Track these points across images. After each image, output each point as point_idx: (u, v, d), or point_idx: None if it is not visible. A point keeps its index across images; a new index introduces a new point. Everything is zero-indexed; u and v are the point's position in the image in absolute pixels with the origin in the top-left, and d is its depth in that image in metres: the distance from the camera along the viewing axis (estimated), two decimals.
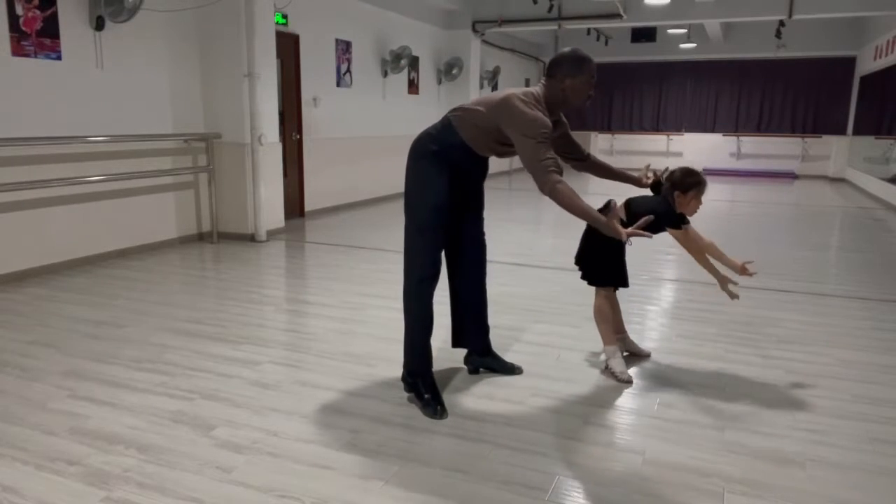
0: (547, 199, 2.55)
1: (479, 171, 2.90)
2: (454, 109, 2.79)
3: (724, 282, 3.21)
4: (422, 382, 2.81)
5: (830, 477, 2.29)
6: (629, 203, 3.09)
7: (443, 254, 2.83)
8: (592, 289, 3.25)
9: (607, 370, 3.18)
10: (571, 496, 2.16)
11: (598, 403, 2.87)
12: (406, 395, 2.87)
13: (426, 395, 2.78)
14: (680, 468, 2.33)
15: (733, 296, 3.22)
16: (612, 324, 3.23)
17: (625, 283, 3.22)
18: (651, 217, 2.51)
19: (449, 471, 2.29)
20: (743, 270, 3.12)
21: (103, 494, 2.12)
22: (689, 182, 2.97)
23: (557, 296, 4.57)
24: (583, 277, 3.26)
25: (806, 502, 2.14)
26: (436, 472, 2.28)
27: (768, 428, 2.64)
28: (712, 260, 3.19)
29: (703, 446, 2.49)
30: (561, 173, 2.54)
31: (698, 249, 3.16)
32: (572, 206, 2.49)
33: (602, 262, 3.17)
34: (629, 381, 3.09)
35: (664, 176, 3.07)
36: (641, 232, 2.49)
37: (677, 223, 3.02)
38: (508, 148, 2.68)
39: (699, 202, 3.04)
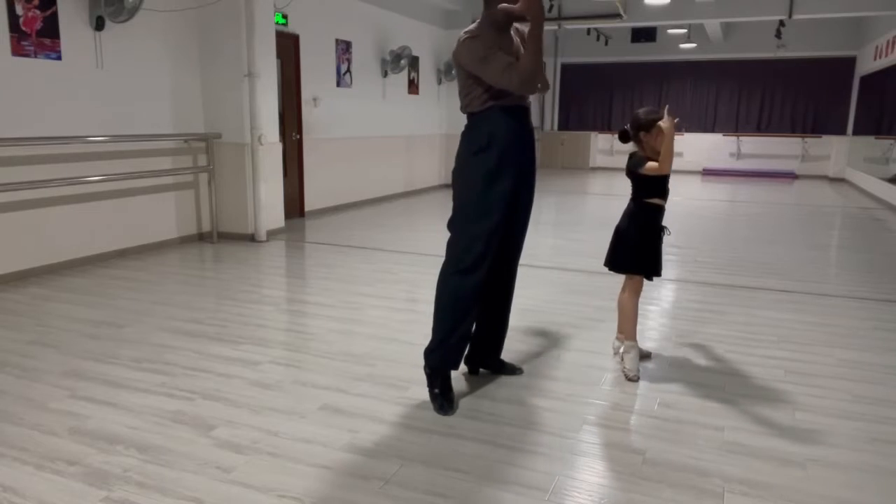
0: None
1: (526, 142, 2.81)
2: (464, 108, 2.79)
3: (669, 126, 3.05)
4: (437, 376, 2.81)
5: (830, 477, 2.29)
6: None
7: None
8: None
9: (620, 360, 3.21)
10: (571, 496, 2.16)
11: (598, 403, 2.87)
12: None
13: (436, 390, 2.79)
14: (680, 468, 2.33)
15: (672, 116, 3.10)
16: (636, 320, 3.24)
17: (657, 272, 3.20)
18: None
19: (449, 471, 2.29)
20: (670, 124, 3.05)
21: (103, 494, 2.12)
22: (650, 119, 3.05)
23: (557, 296, 4.57)
24: (612, 267, 3.26)
25: (806, 502, 2.14)
26: (436, 472, 2.28)
27: (768, 428, 2.64)
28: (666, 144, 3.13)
29: (703, 446, 2.49)
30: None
31: (663, 162, 3.07)
32: (531, 62, 2.51)
33: (632, 245, 3.15)
34: (636, 380, 3.10)
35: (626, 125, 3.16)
36: None
37: (643, 162, 3.06)
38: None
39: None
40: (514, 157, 2.72)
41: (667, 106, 3.10)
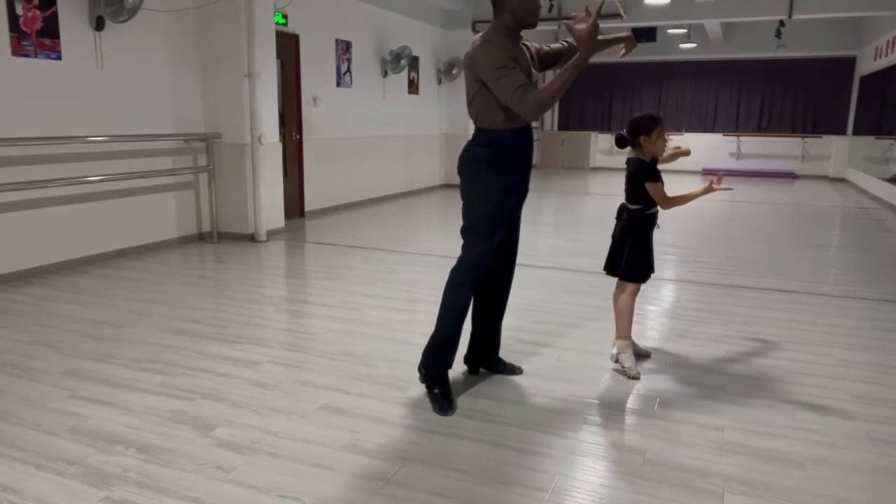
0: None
1: (531, 160, 2.87)
2: (477, 120, 2.79)
3: (708, 190, 3.14)
4: (435, 376, 2.83)
5: (830, 477, 2.29)
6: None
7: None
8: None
9: (617, 363, 3.22)
10: (571, 496, 2.16)
11: (598, 403, 2.87)
12: (420, 383, 2.90)
13: (436, 391, 2.80)
14: (680, 468, 2.33)
15: (727, 188, 3.19)
16: (632, 319, 3.25)
17: (652, 269, 3.24)
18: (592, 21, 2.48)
19: (449, 471, 2.29)
20: (711, 188, 3.13)
21: (103, 494, 2.12)
22: (650, 124, 3.07)
23: (557, 296, 4.57)
24: (613, 274, 3.28)
25: (806, 502, 2.14)
26: (436, 472, 2.28)
27: (768, 428, 2.64)
28: (688, 195, 3.21)
29: (703, 446, 2.49)
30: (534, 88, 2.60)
31: (671, 201, 3.15)
32: (554, 92, 2.53)
33: (634, 256, 3.17)
34: (637, 377, 3.11)
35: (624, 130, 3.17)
36: (592, 19, 2.46)
37: (654, 175, 3.07)
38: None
39: (665, 139, 3.10)
40: (523, 176, 2.83)
41: (713, 180, 3.11)
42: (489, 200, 2.74)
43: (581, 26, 2.46)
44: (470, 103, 2.77)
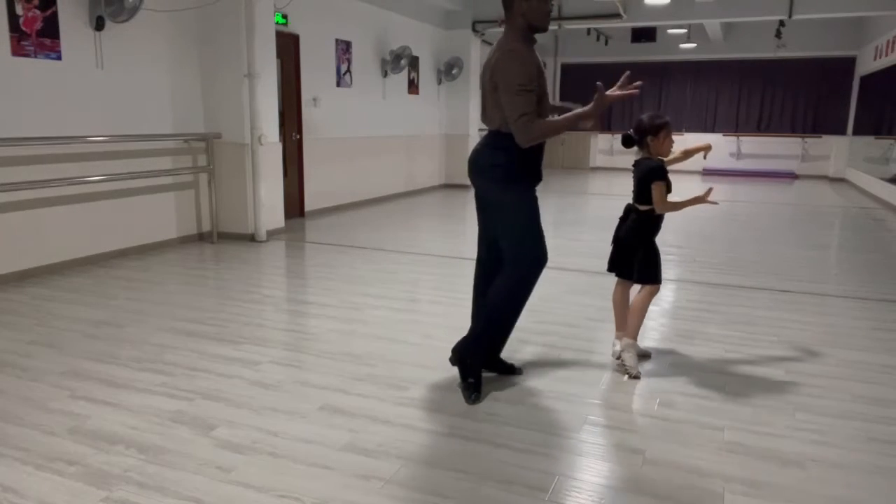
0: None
1: (541, 154, 2.91)
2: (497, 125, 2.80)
3: (696, 201, 3.14)
4: (473, 365, 2.87)
5: (830, 477, 2.29)
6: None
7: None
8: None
9: (619, 360, 3.21)
10: (571, 496, 2.16)
11: (598, 403, 2.87)
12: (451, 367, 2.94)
13: (471, 380, 2.84)
14: (680, 468, 2.33)
15: (713, 202, 3.17)
16: (643, 320, 3.26)
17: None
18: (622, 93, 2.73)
19: (449, 471, 2.29)
20: (702, 199, 3.13)
21: (103, 494, 2.12)
22: (657, 124, 3.09)
23: (557, 296, 4.57)
24: (622, 276, 3.28)
25: (806, 502, 2.14)
26: (436, 472, 2.28)
27: (768, 428, 2.64)
28: (681, 203, 3.20)
29: (703, 446, 2.49)
30: (544, 115, 2.72)
31: (667, 205, 3.15)
32: (552, 132, 2.68)
33: (650, 258, 3.18)
34: (638, 377, 3.11)
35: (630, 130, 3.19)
36: (624, 92, 2.68)
37: (663, 175, 3.09)
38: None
39: (671, 140, 3.12)
40: (539, 176, 2.89)
41: (705, 192, 3.12)
42: (522, 210, 2.79)
43: (609, 93, 2.66)
44: (485, 109, 2.79)
